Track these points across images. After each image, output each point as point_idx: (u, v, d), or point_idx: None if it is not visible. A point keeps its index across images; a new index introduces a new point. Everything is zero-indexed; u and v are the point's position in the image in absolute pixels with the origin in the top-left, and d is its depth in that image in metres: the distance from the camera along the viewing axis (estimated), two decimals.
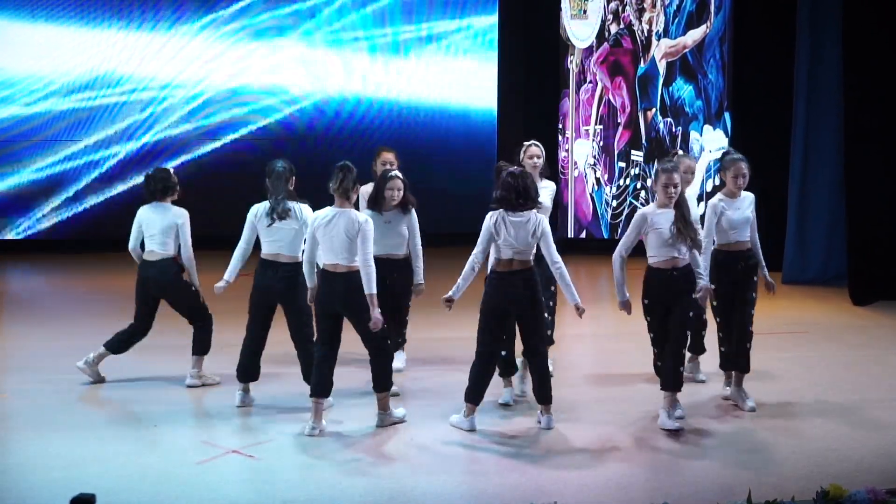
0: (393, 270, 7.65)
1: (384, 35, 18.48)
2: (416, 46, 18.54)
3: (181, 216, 8.07)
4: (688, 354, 7.43)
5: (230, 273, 7.35)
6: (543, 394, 6.89)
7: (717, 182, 7.46)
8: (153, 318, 8.15)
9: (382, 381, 6.87)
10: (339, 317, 6.83)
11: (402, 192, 7.64)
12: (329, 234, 6.73)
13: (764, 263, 7.49)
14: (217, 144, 17.75)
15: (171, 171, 8.25)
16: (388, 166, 8.11)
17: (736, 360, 7.39)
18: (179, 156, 17.34)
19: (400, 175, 7.66)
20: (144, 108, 17.35)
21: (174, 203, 8.14)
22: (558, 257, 6.85)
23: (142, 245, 8.14)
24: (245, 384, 7.43)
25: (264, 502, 5.53)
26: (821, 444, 6.57)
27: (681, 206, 6.83)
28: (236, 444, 6.49)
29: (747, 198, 7.42)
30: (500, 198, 6.78)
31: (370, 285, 6.65)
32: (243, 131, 17.86)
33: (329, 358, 6.81)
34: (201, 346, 8.08)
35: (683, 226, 6.79)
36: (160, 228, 8.03)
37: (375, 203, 7.66)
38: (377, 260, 7.33)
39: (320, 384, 6.75)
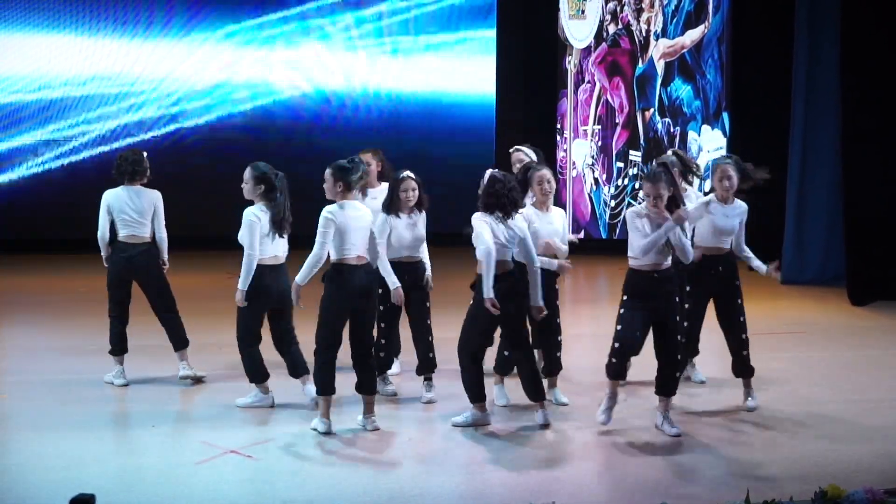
0: (404, 273, 7.47)
1: (384, 43, 18.48)
2: (416, 46, 18.55)
3: (158, 197, 8.13)
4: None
5: (244, 283, 7.22)
6: (535, 391, 6.91)
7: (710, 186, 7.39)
8: (129, 303, 8.17)
9: (373, 384, 6.90)
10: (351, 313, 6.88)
11: (416, 192, 7.49)
12: (356, 228, 6.77)
13: (754, 257, 7.39)
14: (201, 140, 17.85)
15: (144, 154, 8.22)
16: (370, 167, 8.07)
17: (740, 370, 7.39)
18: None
19: (412, 175, 7.54)
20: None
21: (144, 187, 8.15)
22: (538, 261, 6.91)
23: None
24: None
25: (263, 502, 5.53)
26: (819, 444, 6.58)
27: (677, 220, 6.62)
28: (235, 444, 6.49)
29: (739, 207, 7.29)
30: (490, 203, 6.78)
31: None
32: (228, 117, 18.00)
33: (335, 358, 6.84)
34: (181, 339, 8.15)
35: (672, 238, 6.61)
36: (139, 211, 8.03)
37: (391, 206, 7.50)
38: (395, 263, 7.40)
39: (331, 383, 6.80)
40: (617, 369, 6.77)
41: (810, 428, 6.94)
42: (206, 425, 7.00)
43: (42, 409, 7.40)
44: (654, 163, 7.10)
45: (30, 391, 7.91)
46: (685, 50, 15.96)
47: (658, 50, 16.32)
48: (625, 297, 6.75)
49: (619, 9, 16.83)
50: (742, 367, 7.37)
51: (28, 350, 9.51)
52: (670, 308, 6.73)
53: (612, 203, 16.88)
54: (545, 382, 7.61)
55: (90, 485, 5.50)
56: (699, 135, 15.85)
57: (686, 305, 7.33)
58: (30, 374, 8.46)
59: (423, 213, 7.60)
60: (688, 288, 7.32)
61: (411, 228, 7.51)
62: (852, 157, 12.31)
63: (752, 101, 14.85)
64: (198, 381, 8.06)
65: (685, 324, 7.35)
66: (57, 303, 12.37)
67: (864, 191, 12.21)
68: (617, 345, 6.75)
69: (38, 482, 5.80)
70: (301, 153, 16.57)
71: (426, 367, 7.62)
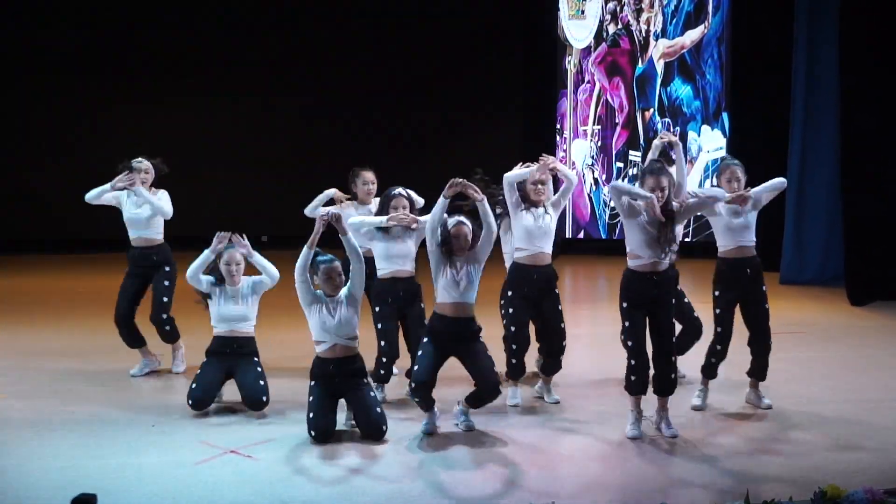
0: (399, 288, 7.42)
1: (388, 43, 18.47)
2: (416, 43, 18.56)
3: None
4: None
5: None
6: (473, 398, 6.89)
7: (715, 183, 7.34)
8: None
9: None
10: None
11: (407, 209, 7.43)
12: None
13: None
14: None
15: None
16: (369, 185, 8.04)
17: (759, 373, 7.36)
18: None
19: (404, 192, 7.49)
20: None
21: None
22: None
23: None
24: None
25: (262, 502, 5.53)
26: (818, 443, 6.57)
27: (667, 214, 6.50)
28: (235, 444, 6.49)
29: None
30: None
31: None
32: None
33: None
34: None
35: (663, 233, 6.47)
36: None
37: None
38: (389, 279, 7.38)
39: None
40: (638, 386, 6.66)
41: (810, 428, 6.94)
42: (206, 425, 7.00)
43: (41, 408, 7.40)
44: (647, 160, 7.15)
45: (29, 391, 7.92)
46: (685, 50, 15.97)
47: (658, 50, 16.33)
48: (624, 305, 6.64)
49: (618, 9, 16.84)
50: (762, 370, 7.34)
51: (27, 350, 9.51)
52: (666, 311, 6.65)
53: (612, 203, 16.89)
54: (540, 380, 7.63)
55: (89, 485, 5.51)
56: (699, 135, 15.86)
57: (717, 310, 7.21)
58: (29, 374, 8.47)
59: (415, 231, 7.44)
60: (716, 293, 7.26)
61: (400, 243, 7.42)
62: (851, 156, 12.32)
63: (751, 102, 14.87)
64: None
65: (718, 329, 7.24)
66: (55, 303, 12.37)
67: (864, 191, 12.22)
68: (633, 361, 6.63)
69: (36, 482, 5.79)
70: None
71: None
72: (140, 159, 8.41)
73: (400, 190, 7.51)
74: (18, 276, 14.76)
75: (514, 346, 7.34)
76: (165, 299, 8.34)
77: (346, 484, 5.82)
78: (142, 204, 8.33)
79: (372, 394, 6.79)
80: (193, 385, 7.27)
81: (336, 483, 5.84)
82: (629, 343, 6.64)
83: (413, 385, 6.66)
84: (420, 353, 6.70)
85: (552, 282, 7.44)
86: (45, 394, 7.82)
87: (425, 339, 6.72)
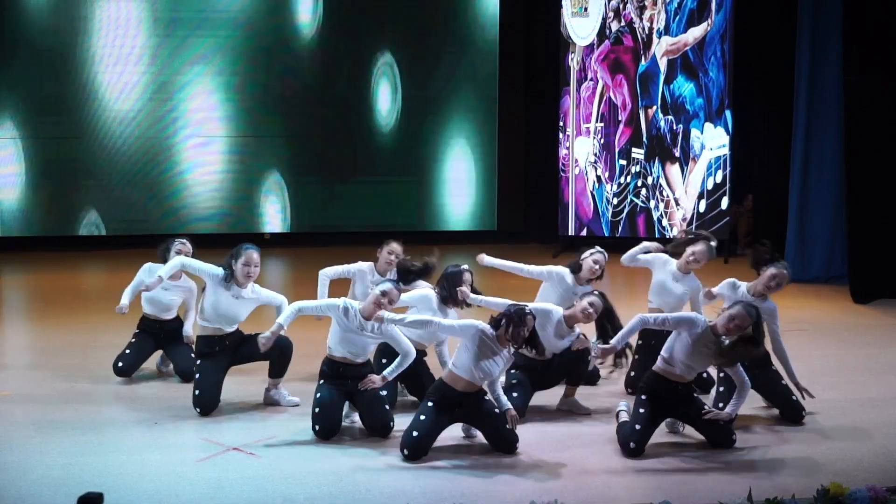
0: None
1: (385, 51, 18.45)
2: (416, 41, 18.55)
3: None
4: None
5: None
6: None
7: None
8: None
9: None
10: None
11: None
12: None
13: (793, 371, 7.17)
14: None
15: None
16: (393, 257, 7.78)
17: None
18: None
19: (468, 270, 7.32)
20: None
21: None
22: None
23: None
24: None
25: (265, 500, 5.54)
26: (821, 441, 6.58)
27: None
28: (237, 441, 6.50)
29: (768, 306, 7.16)
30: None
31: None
32: None
33: None
34: None
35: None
36: None
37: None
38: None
39: None
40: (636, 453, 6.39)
41: (812, 426, 6.94)
42: (208, 423, 7.01)
43: (44, 406, 7.40)
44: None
45: (33, 388, 7.92)
46: (688, 47, 15.96)
47: (661, 47, 16.31)
48: (643, 398, 6.47)
49: (621, 6, 16.82)
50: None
51: (31, 348, 9.52)
52: (694, 406, 6.49)
53: (615, 201, 16.87)
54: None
55: (92, 482, 5.52)
56: (702, 132, 15.84)
57: (720, 374, 7.02)
58: (33, 372, 8.47)
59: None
60: (720, 375, 7.13)
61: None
62: (855, 154, 12.31)
63: (754, 99, 14.87)
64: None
65: (720, 388, 7.08)
66: (60, 300, 12.37)
67: (867, 188, 12.21)
68: (632, 444, 6.31)
69: (39, 479, 5.80)
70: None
71: None
72: (184, 240, 8.22)
73: (465, 267, 7.32)
74: (21, 273, 14.77)
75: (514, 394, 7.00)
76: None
77: (348, 481, 5.82)
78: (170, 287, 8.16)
79: (382, 392, 6.78)
80: (197, 392, 7.23)
81: (338, 480, 5.84)
82: (637, 426, 6.36)
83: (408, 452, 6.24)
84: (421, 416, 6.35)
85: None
86: (49, 391, 7.83)
87: (428, 404, 6.39)
